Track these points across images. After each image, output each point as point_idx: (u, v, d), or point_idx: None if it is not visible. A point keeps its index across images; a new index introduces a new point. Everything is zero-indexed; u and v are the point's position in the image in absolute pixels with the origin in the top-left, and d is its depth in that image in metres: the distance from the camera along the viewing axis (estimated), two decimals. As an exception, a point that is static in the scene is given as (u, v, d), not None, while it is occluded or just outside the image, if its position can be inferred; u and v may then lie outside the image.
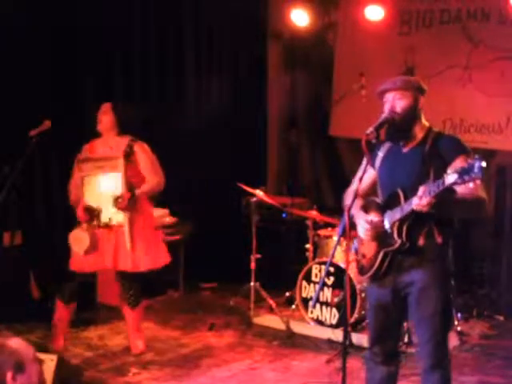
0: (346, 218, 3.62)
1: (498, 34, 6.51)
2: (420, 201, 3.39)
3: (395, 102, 3.69)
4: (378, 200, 3.83)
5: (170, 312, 6.50)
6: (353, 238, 3.93)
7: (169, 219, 6.84)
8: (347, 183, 6.70)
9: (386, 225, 3.68)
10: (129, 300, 5.37)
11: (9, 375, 2.65)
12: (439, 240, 3.67)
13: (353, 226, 3.85)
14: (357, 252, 3.91)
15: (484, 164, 3.13)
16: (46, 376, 3.92)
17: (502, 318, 6.31)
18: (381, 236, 3.72)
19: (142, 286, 5.49)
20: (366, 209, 3.82)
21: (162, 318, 6.31)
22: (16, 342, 2.74)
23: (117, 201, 5.17)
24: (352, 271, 5.21)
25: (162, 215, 6.80)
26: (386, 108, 3.71)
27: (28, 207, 6.13)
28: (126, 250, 5.23)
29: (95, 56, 6.82)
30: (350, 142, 7.13)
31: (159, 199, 6.98)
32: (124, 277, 5.34)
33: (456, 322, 5.88)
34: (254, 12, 7.32)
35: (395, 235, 3.64)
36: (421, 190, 3.40)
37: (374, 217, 3.74)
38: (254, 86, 7.67)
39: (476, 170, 3.13)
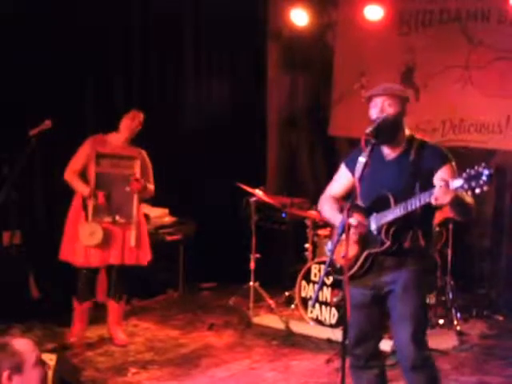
0: (345, 217, 3.63)
1: (497, 34, 6.52)
2: (443, 190, 3.36)
3: (384, 106, 3.74)
4: (360, 203, 3.83)
5: (170, 312, 6.50)
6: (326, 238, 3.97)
7: (168, 219, 6.84)
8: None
9: (372, 226, 3.73)
10: (116, 294, 5.61)
11: (5, 374, 2.65)
12: (422, 243, 3.74)
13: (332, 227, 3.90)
14: (332, 252, 3.90)
15: (492, 171, 3.18)
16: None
17: (501, 317, 6.31)
18: (364, 238, 3.76)
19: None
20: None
21: (162, 318, 6.32)
22: (21, 344, 2.74)
23: (135, 181, 5.43)
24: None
25: (162, 215, 6.80)
26: (374, 112, 3.75)
27: (28, 207, 6.14)
28: (130, 246, 5.51)
29: (95, 56, 6.83)
30: (350, 142, 7.14)
31: (159, 199, 7.03)
32: (119, 271, 5.56)
33: (455, 322, 5.89)
34: (254, 12, 7.32)
35: (383, 237, 3.69)
36: (441, 181, 3.40)
37: (356, 219, 3.73)
38: (253, 85, 7.67)
39: (484, 177, 3.19)
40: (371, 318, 3.87)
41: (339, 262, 3.88)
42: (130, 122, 5.56)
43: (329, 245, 4.02)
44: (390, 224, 3.67)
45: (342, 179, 3.99)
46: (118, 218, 5.45)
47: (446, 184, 3.37)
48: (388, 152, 3.82)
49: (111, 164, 5.43)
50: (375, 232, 3.72)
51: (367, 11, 6.85)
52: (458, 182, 3.29)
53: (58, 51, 6.35)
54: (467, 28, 6.69)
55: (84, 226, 5.37)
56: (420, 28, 6.98)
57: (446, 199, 3.40)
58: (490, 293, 6.66)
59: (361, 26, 7.00)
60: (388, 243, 3.68)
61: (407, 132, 3.82)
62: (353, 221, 3.72)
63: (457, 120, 6.80)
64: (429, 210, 3.65)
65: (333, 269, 3.96)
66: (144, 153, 5.66)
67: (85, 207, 5.39)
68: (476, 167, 3.24)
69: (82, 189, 5.41)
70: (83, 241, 5.35)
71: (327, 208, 4.00)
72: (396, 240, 3.69)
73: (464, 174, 3.27)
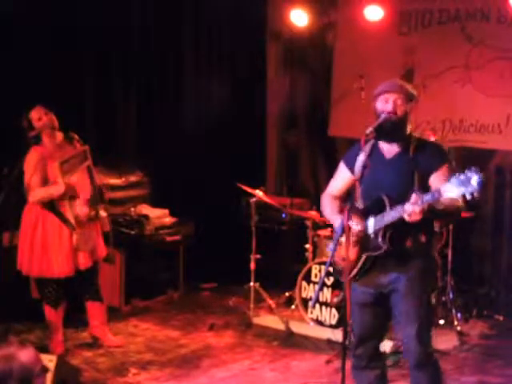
0: (345, 218, 3.63)
1: (497, 34, 6.51)
2: (413, 207, 3.44)
3: (397, 105, 3.75)
4: (359, 205, 3.84)
5: (170, 312, 6.50)
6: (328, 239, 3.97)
7: (168, 219, 6.83)
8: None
9: (370, 230, 3.72)
10: (97, 293, 5.52)
11: None
12: (423, 239, 3.74)
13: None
14: (334, 253, 3.91)
15: (483, 178, 3.20)
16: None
17: (501, 317, 6.30)
18: (363, 240, 3.75)
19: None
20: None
21: (162, 319, 6.31)
22: (26, 355, 2.71)
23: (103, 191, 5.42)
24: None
25: (162, 215, 6.80)
26: (385, 107, 3.74)
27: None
28: (100, 239, 5.49)
29: (95, 56, 6.83)
30: (350, 143, 7.11)
31: (159, 199, 7.03)
32: (96, 268, 5.49)
33: (456, 322, 5.89)
34: (254, 12, 7.32)
35: (380, 241, 3.67)
36: (413, 197, 3.46)
37: (355, 223, 3.74)
38: (253, 86, 7.66)
39: (474, 183, 3.19)
40: (374, 318, 3.89)
41: (340, 264, 3.88)
42: (49, 119, 5.28)
43: (330, 245, 4.02)
44: (387, 227, 3.65)
45: (342, 177, 4.00)
46: (101, 211, 5.41)
47: (415, 200, 3.42)
48: (387, 150, 3.81)
49: (71, 165, 5.24)
50: (372, 235, 3.70)
51: (367, 11, 6.84)
52: (450, 192, 3.29)
53: (58, 51, 6.35)
54: (467, 28, 6.68)
55: (79, 234, 5.22)
56: (420, 28, 6.97)
57: (416, 216, 3.45)
58: (490, 293, 6.66)
59: (361, 26, 6.99)
60: (385, 247, 3.67)
61: (407, 130, 3.83)
62: (355, 225, 3.72)
63: (456, 120, 6.79)
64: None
65: (334, 271, 3.96)
66: (76, 136, 5.46)
67: (63, 219, 5.23)
68: (466, 172, 3.24)
69: (55, 189, 5.17)
70: (80, 248, 5.24)
71: (326, 208, 4.02)
72: (393, 243, 3.67)
73: (453, 180, 3.26)
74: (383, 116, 3.74)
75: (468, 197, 3.24)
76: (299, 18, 7.19)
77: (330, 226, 6.33)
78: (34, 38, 6.20)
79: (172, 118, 7.45)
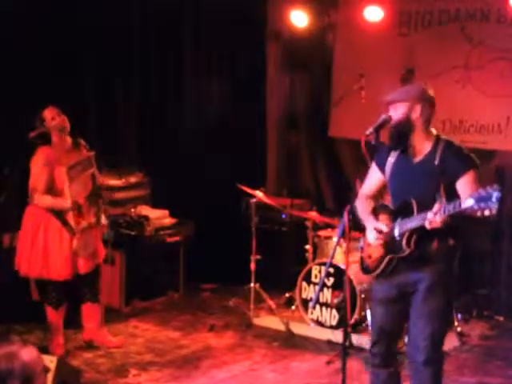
0: (345, 218, 3.64)
1: (497, 35, 6.51)
2: (434, 217, 3.50)
3: (396, 113, 3.80)
4: (390, 205, 3.89)
5: (170, 313, 6.49)
6: (358, 237, 4.01)
7: (168, 220, 6.83)
8: (347, 184, 6.69)
9: (396, 233, 3.75)
10: (97, 295, 5.52)
11: None
12: (451, 242, 3.80)
13: (353, 226, 3.92)
14: (362, 250, 3.95)
15: (500, 194, 3.28)
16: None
17: (501, 318, 6.31)
18: (389, 242, 3.79)
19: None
20: (376, 212, 3.89)
21: (162, 319, 6.31)
22: (28, 354, 2.71)
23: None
24: (352, 272, 5.22)
25: (162, 216, 6.80)
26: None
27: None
28: (100, 243, 5.53)
29: (95, 56, 6.83)
30: (350, 143, 7.12)
31: (159, 200, 7.03)
32: (97, 272, 5.49)
33: (456, 323, 5.88)
34: (254, 13, 7.31)
35: (404, 244, 3.71)
36: (436, 207, 3.51)
37: (384, 224, 3.81)
38: (253, 86, 7.66)
39: (494, 199, 3.27)
40: (393, 315, 3.91)
41: (366, 262, 3.94)
42: (62, 120, 5.28)
43: (361, 242, 4.04)
44: (412, 231, 3.69)
45: (373, 178, 4.03)
46: (103, 219, 5.41)
47: (437, 209, 3.48)
48: (413, 154, 3.82)
49: (77, 171, 5.24)
50: (398, 238, 3.74)
51: (367, 12, 6.83)
52: (469, 202, 3.35)
53: (58, 51, 6.35)
54: (467, 28, 6.68)
55: (79, 239, 5.22)
56: (420, 29, 6.96)
57: (437, 225, 3.52)
58: (490, 293, 6.65)
59: (360, 26, 6.98)
60: (408, 251, 3.71)
61: (434, 132, 3.85)
62: (383, 227, 3.77)
63: (456, 120, 6.78)
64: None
65: (361, 267, 4.01)
66: (83, 142, 5.46)
67: (64, 222, 5.23)
68: (487, 188, 3.32)
69: (62, 203, 5.19)
70: (79, 253, 5.24)
71: (360, 210, 4.01)
72: (418, 247, 3.70)
73: (476, 195, 3.34)
74: (383, 117, 3.76)
75: (486, 212, 3.32)
76: (299, 19, 7.18)
77: (330, 226, 6.35)
78: (34, 38, 6.20)
79: (172, 118, 7.45)
